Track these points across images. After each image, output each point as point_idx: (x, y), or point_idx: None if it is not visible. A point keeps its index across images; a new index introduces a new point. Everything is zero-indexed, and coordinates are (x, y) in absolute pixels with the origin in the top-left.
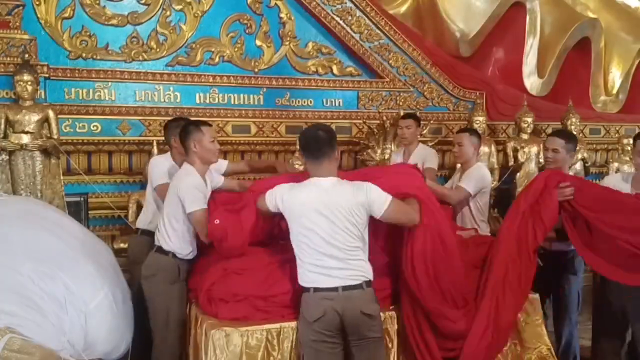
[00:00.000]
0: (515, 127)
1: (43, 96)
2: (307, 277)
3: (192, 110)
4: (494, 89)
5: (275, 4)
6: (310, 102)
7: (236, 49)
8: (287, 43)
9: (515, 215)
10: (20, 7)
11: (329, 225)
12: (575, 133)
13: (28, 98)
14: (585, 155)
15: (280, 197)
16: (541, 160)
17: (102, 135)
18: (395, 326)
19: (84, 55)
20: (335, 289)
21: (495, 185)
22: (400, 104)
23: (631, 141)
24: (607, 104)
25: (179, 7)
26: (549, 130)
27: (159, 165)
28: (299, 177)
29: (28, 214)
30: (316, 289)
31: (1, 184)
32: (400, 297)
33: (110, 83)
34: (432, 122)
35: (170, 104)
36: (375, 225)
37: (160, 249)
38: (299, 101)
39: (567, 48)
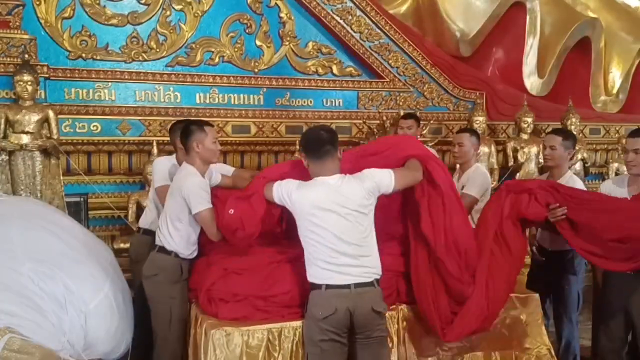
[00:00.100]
0: (515, 127)
1: (43, 96)
2: (320, 273)
3: (192, 111)
4: (494, 89)
5: (275, 3)
6: (310, 102)
7: (236, 49)
8: (287, 43)
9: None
10: (20, 7)
11: (340, 221)
12: (575, 133)
13: (28, 98)
14: (585, 155)
15: (287, 194)
16: (541, 160)
17: (102, 135)
18: (396, 326)
19: (84, 55)
20: (347, 286)
21: (496, 186)
22: (400, 104)
23: None
24: (607, 104)
25: (179, 7)
26: (549, 130)
27: (161, 167)
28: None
29: (28, 214)
30: (328, 286)
31: (1, 184)
32: (399, 294)
33: (110, 83)
34: (432, 122)
35: (170, 104)
36: (375, 225)
37: (162, 249)
38: (299, 101)
39: (567, 48)
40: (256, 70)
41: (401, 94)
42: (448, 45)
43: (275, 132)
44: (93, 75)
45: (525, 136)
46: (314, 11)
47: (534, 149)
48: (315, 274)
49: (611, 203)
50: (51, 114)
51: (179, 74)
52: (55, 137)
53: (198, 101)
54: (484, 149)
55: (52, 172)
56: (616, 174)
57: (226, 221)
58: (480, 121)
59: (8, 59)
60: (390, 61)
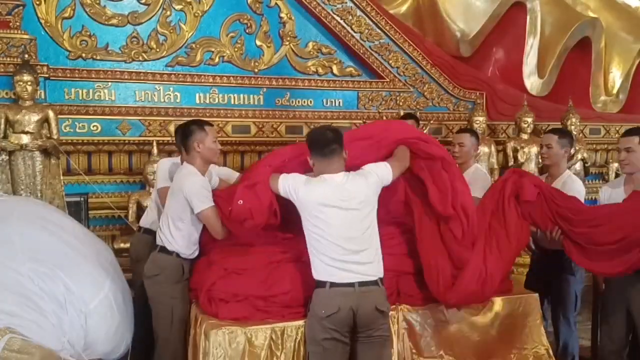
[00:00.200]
0: (515, 127)
1: (43, 96)
2: (324, 270)
3: (192, 111)
4: (494, 89)
5: (276, 3)
6: (310, 102)
7: (236, 49)
8: (287, 43)
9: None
10: (20, 7)
11: (345, 217)
12: (574, 133)
13: (28, 98)
14: (585, 155)
15: (294, 190)
16: (541, 160)
17: (102, 135)
18: (396, 326)
19: (84, 55)
20: (351, 285)
21: None
22: (400, 104)
23: None
24: (607, 104)
25: (179, 7)
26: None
27: (163, 168)
28: (306, 148)
29: (28, 214)
30: (332, 284)
31: (1, 184)
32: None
33: (110, 83)
34: (432, 122)
35: (170, 104)
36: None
37: (163, 249)
38: (299, 101)
39: (568, 48)
40: (256, 70)
41: (401, 94)
42: (448, 45)
43: (275, 132)
44: (93, 75)
45: (525, 136)
46: (314, 11)
47: (534, 149)
48: (319, 269)
49: (605, 216)
50: (51, 114)
51: (179, 74)
52: (55, 137)
53: (198, 101)
54: (484, 149)
55: (52, 172)
56: (616, 174)
57: (235, 212)
58: (480, 121)
59: (8, 59)
60: (390, 61)
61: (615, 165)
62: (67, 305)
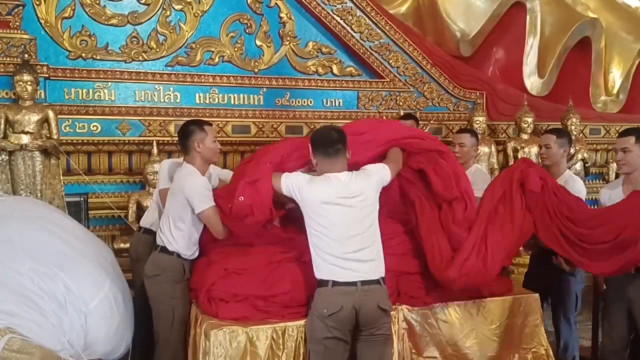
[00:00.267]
0: (516, 127)
1: (43, 96)
2: (327, 268)
3: (192, 110)
4: (494, 89)
5: (276, 3)
6: (310, 102)
7: (236, 49)
8: (287, 43)
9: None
10: (20, 7)
11: (347, 215)
12: (575, 133)
13: (28, 98)
14: (586, 155)
15: (298, 188)
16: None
17: (102, 135)
18: (396, 326)
19: (83, 55)
20: (354, 284)
21: None
22: (400, 104)
23: None
24: (608, 104)
25: (179, 6)
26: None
27: (165, 169)
28: (303, 142)
29: (28, 214)
30: (335, 283)
31: (1, 184)
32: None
33: (110, 83)
34: (432, 122)
35: (170, 104)
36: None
37: (164, 249)
38: (299, 101)
39: (568, 48)
40: (256, 70)
41: (401, 94)
42: (448, 45)
43: (275, 132)
44: (93, 75)
45: (525, 136)
46: (314, 11)
47: (534, 149)
48: (321, 268)
49: (604, 215)
50: (51, 114)
51: (179, 74)
52: (55, 137)
53: (198, 101)
54: (484, 149)
55: (52, 172)
56: (616, 174)
57: (236, 208)
58: (480, 121)
59: (8, 59)
60: (390, 61)
61: (616, 165)
62: (67, 305)
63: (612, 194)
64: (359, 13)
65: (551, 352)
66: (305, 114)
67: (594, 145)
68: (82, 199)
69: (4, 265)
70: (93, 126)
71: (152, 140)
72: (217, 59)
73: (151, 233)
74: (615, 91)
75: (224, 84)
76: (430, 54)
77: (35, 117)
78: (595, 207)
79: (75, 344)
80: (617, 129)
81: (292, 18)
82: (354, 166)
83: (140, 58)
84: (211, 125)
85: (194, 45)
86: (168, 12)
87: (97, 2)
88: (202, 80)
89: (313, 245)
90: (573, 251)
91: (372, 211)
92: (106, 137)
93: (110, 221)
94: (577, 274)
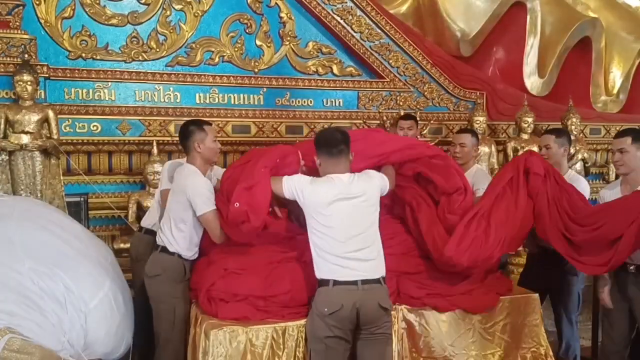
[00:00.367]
0: (516, 127)
1: (43, 96)
2: (328, 268)
3: (192, 110)
4: (495, 88)
5: (276, 3)
6: (310, 102)
7: (236, 49)
8: (287, 43)
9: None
10: (20, 7)
11: (349, 214)
12: (575, 132)
13: (28, 98)
14: (586, 155)
15: (300, 190)
16: None
17: (102, 135)
18: (396, 326)
19: (83, 55)
20: (354, 283)
21: None
22: (400, 104)
23: None
24: (608, 103)
25: (179, 6)
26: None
27: (166, 169)
28: (294, 148)
29: (28, 214)
30: (336, 282)
31: (1, 184)
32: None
33: (110, 83)
34: (432, 122)
35: (170, 104)
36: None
37: (164, 249)
38: (299, 101)
39: (568, 48)
40: (256, 70)
41: (401, 94)
42: (448, 45)
43: (276, 132)
44: (93, 75)
45: (525, 136)
46: (314, 11)
47: (534, 149)
48: (322, 267)
49: (601, 213)
50: (51, 114)
51: (179, 74)
52: (55, 137)
53: (198, 101)
54: (484, 149)
55: (52, 172)
56: (616, 175)
57: (232, 214)
58: (480, 121)
59: (8, 59)
60: (390, 61)
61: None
62: (67, 304)
63: (611, 194)
64: (359, 13)
65: (551, 352)
66: (305, 114)
67: (594, 145)
68: (82, 199)
69: (4, 265)
70: (93, 126)
71: (152, 140)
72: (217, 59)
73: (152, 233)
74: (615, 91)
75: (224, 84)
76: (430, 54)
77: (35, 117)
78: None
79: (75, 343)
80: (617, 129)
81: (292, 18)
82: None
83: (140, 58)
84: (211, 125)
85: (194, 45)
86: (168, 12)
87: (97, 2)
88: (202, 80)
89: (314, 245)
90: (566, 244)
91: (374, 212)
92: (106, 137)
93: (110, 221)
94: (579, 273)
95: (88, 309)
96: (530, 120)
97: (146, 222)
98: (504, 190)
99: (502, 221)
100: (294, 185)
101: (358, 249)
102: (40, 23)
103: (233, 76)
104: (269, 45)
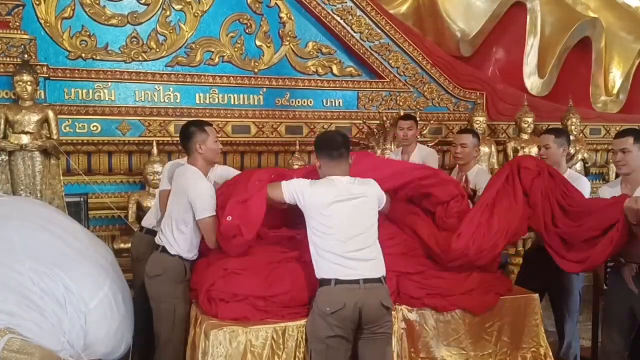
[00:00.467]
0: (516, 127)
1: (43, 96)
2: (329, 268)
3: (192, 111)
4: (494, 89)
5: (275, 3)
6: (310, 102)
7: (236, 49)
8: (287, 43)
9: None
10: (20, 7)
11: (350, 214)
12: (575, 133)
13: (28, 98)
14: (586, 155)
15: (300, 192)
16: None
17: (102, 135)
18: (395, 326)
19: (83, 55)
20: (356, 282)
21: None
22: (400, 104)
23: None
24: (608, 104)
25: (179, 7)
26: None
27: (166, 170)
28: (287, 172)
29: (28, 214)
30: (337, 281)
31: (1, 184)
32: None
33: (110, 83)
34: (432, 122)
35: (170, 104)
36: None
37: (165, 250)
38: (299, 101)
39: (568, 48)
40: (256, 70)
41: (401, 94)
42: (448, 45)
43: (275, 132)
44: (93, 75)
45: (525, 136)
46: (314, 11)
47: (534, 149)
48: (323, 268)
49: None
50: (51, 114)
51: (178, 74)
52: (55, 137)
53: (198, 101)
54: (484, 149)
55: (52, 172)
56: (616, 174)
57: (224, 228)
58: (480, 121)
59: (8, 59)
60: (390, 61)
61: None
62: (67, 305)
63: (611, 192)
64: (359, 13)
65: (550, 352)
66: (305, 114)
67: (594, 145)
68: (82, 199)
69: (4, 265)
70: (93, 126)
71: (152, 141)
72: (217, 59)
73: (153, 233)
74: (615, 91)
75: (224, 84)
76: (430, 54)
77: (35, 117)
78: None
79: (75, 344)
80: (617, 129)
81: (292, 18)
82: None
83: (140, 58)
84: (211, 125)
85: (193, 46)
86: (168, 12)
87: (97, 2)
88: (202, 81)
89: (313, 244)
90: (556, 240)
91: (374, 214)
92: (106, 137)
93: (110, 221)
94: (579, 273)
95: (88, 309)
96: (530, 120)
97: (146, 222)
98: (504, 186)
99: (504, 211)
100: (294, 189)
101: (358, 249)
102: (40, 23)
103: (233, 76)
104: (268, 45)
